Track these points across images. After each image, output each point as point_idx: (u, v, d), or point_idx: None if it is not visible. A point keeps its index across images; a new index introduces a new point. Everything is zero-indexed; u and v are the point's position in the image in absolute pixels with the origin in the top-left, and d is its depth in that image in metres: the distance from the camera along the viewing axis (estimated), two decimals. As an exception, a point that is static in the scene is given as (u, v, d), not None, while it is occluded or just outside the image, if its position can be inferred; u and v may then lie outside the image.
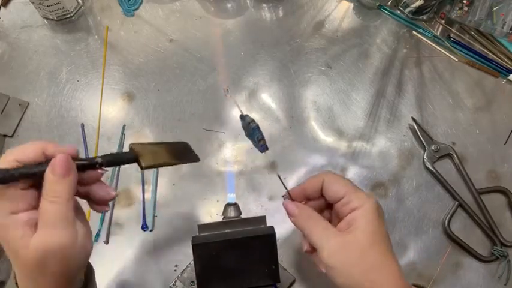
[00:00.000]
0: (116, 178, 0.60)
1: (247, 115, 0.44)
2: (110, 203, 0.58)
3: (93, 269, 0.42)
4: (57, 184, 0.33)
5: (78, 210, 0.36)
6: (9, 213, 0.32)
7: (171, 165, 0.41)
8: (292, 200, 0.44)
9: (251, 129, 0.43)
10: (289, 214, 0.44)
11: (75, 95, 0.64)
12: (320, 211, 0.44)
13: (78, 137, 0.61)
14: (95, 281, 0.42)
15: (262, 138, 0.44)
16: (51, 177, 0.33)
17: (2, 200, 0.32)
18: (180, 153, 0.43)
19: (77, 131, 0.62)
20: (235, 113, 0.64)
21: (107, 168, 0.37)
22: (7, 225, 0.32)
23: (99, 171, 0.36)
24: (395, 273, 0.39)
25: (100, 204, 0.38)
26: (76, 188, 0.34)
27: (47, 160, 0.33)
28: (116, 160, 0.37)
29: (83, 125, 0.62)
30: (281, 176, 0.56)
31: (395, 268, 0.39)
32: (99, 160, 0.35)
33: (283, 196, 0.57)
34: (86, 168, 0.35)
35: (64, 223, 0.33)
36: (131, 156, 0.37)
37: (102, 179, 0.38)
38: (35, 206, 0.33)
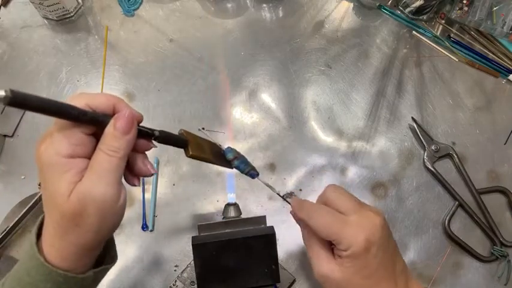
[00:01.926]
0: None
1: (228, 149, 0.44)
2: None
3: (114, 241, 0.41)
4: (117, 139, 0.33)
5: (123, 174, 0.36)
6: (66, 155, 0.32)
7: (212, 163, 0.42)
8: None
9: (235, 165, 0.44)
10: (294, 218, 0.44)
11: (75, 95, 0.64)
12: None
13: (78, 137, 0.61)
14: (114, 255, 0.40)
15: (249, 170, 0.44)
16: (112, 131, 0.33)
17: (64, 139, 0.32)
18: (219, 154, 0.43)
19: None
20: (235, 113, 0.64)
21: (157, 144, 0.37)
22: (59, 166, 0.32)
23: (151, 144, 0.37)
24: None
25: (136, 175, 0.37)
26: (131, 148, 0.34)
27: (114, 114, 0.34)
28: (169, 139, 0.37)
29: None
30: (282, 176, 0.56)
31: None
32: (156, 133, 0.36)
33: (283, 196, 0.56)
34: (143, 136, 0.35)
35: (113, 178, 0.33)
36: (182, 141, 0.38)
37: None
38: (89, 156, 0.33)
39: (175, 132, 0.40)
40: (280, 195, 0.46)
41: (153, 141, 0.36)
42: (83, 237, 0.33)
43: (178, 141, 0.39)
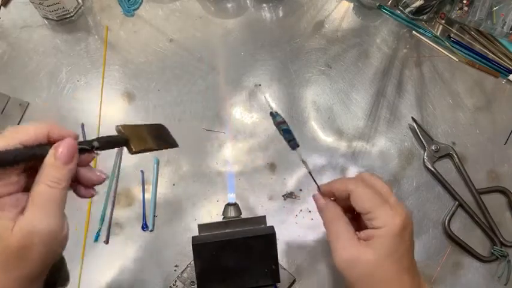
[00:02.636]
0: (115, 178, 0.60)
1: (277, 114, 0.44)
2: (110, 201, 0.58)
3: (64, 261, 0.40)
4: (58, 169, 0.31)
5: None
6: None
7: (157, 149, 0.41)
8: (322, 194, 0.45)
9: (280, 130, 0.44)
10: (318, 208, 0.45)
11: (75, 95, 0.64)
12: (347, 208, 0.43)
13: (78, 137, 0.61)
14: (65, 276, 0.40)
15: (292, 139, 0.44)
16: (52, 162, 0.31)
17: None
18: (161, 136, 0.42)
19: (77, 131, 0.62)
20: (235, 113, 0.64)
21: (99, 152, 0.36)
22: None
23: (93, 155, 0.36)
24: None
25: (88, 187, 0.37)
26: (73, 175, 0.33)
27: (49, 142, 0.32)
28: (109, 143, 0.36)
29: (83, 125, 0.62)
30: (282, 176, 0.56)
31: (410, 284, 0.39)
32: (95, 144, 0.35)
33: (283, 196, 0.57)
34: (84, 152, 0.34)
35: (57, 209, 0.32)
36: (122, 140, 0.37)
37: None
38: (23, 189, 0.32)
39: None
40: (311, 175, 0.45)
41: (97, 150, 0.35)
42: (27, 269, 0.32)
43: (119, 141, 0.37)
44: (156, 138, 0.41)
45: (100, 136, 0.36)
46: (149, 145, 0.39)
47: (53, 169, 0.32)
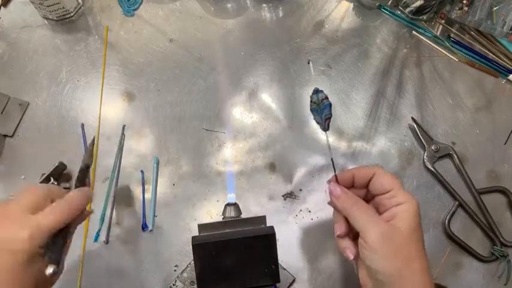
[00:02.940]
0: (115, 178, 0.60)
1: (322, 90, 0.45)
2: (110, 201, 0.58)
3: None
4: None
5: None
6: None
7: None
8: (338, 183, 0.46)
9: (323, 105, 0.44)
10: (332, 196, 0.46)
11: (75, 95, 0.64)
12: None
13: (78, 137, 0.61)
14: None
15: (330, 116, 0.44)
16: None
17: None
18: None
19: (77, 131, 0.62)
20: (235, 113, 0.64)
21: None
22: None
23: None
24: (427, 269, 0.42)
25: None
26: None
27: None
28: (82, 178, 0.48)
29: (83, 125, 0.62)
30: (281, 176, 0.56)
31: (427, 264, 0.42)
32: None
33: (283, 196, 0.57)
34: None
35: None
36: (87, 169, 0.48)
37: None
38: None
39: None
40: (333, 162, 0.47)
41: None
42: None
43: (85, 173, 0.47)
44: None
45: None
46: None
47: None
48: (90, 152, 0.48)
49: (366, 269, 0.43)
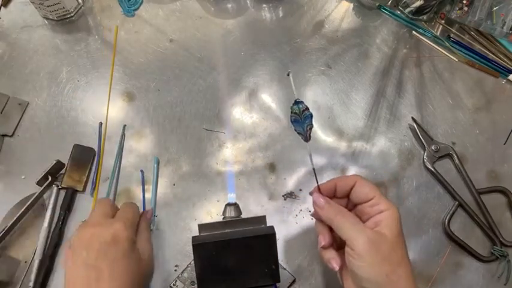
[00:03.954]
0: (115, 178, 0.60)
1: (302, 101, 0.45)
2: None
3: None
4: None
5: None
6: None
7: None
8: (321, 193, 0.47)
9: (304, 116, 0.45)
10: (316, 206, 0.46)
11: (75, 95, 0.64)
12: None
13: (78, 137, 0.61)
14: None
15: (312, 127, 0.45)
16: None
17: None
18: None
19: (77, 131, 0.62)
20: (235, 113, 0.64)
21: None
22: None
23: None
24: (412, 274, 0.42)
25: None
26: None
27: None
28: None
29: (100, 124, 0.62)
30: (282, 176, 0.56)
31: (411, 270, 0.42)
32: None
33: (283, 196, 0.57)
34: None
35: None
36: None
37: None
38: None
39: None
40: (315, 173, 0.47)
41: None
42: None
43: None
44: None
45: None
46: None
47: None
48: None
49: (352, 278, 0.43)
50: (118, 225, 0.47)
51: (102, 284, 0.43)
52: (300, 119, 0.45)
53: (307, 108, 0.45)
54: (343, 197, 0.48)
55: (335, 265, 0.44)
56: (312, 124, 0.45)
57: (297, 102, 0.46)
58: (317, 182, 0.47)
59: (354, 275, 0.42)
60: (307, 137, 0.46)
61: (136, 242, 0.49)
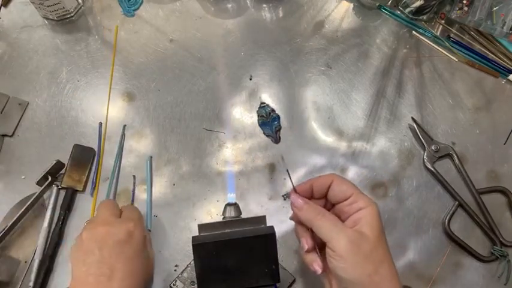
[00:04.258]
0: (115, 178, 0.60)
1: (267, 104, 0.46)
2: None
3: None
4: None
5: None
6: None
7: None
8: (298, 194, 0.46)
9: (272, 118, 0.45)
10: (294, 207, 0.45)
11: (75, 95, 0.64)
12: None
13: (78, 137, 0.61)
14: None
15: (280, 128, 0.45)
16: None
17: None
18: None
19: (77, 131, 0.62)
20: (235, 113, 0.64)
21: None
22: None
23: None
24: (395, 272, 0.41)
25: None
26: None
27: None
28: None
29: (100, 124, 0.62)
30: (282, 176, 0.56)
31: (394, 268, 0.41)
32: None
33: (283, 196, 0.57)
34: None
35: None
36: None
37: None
38: None
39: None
40: (289, 175, 0.47)
41: None
42: None
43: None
44: None
45: None
46: None
47: None
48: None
49: (334, 280, 0.42)
50: (131, 223, 0.48)
51: (114, 283, 0.44)
52: (268, 121, 0.45)
53: (273, 110, 0.45)
54: (321, 198, 0.47)
55: (317, 268, 0.43)
56: (280, 125, 0.45)
57: (263, 106, 0.46)
58: (292, 184, 0.46)
59: (337, 276, 0.41)
60: (277, 139, 0.46)
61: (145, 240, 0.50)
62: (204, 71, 0.66)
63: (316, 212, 0.43)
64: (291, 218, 0.48)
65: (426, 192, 0.62)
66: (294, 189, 0.46)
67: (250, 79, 0.46)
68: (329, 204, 0.47)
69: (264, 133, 0.46)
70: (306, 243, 0.44)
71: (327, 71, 0.68)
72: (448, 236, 0.60)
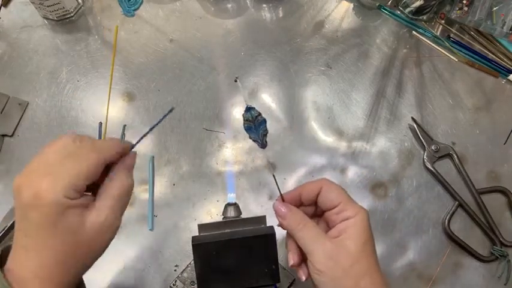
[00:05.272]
0: (116, 178, 0.60)
1: (254, 107, 0.44)
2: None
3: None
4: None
5: None
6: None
7: None
8: (284, 201, 0.44)
9: (258, 122, 0.44)
10: (278, 216, 0.44)
11: (75, 95, 0.64)
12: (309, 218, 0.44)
13: (78, 137, 0.61)
14: None
15: (267, 132, 0.44)
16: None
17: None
18: None
19: (76, 131, 0.62)
20: (235, 113, 0.64)
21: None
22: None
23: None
24: (380, 284, 0.39)
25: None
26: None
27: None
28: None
29: (100, 124, 0.62)
30: (282, 176, 0.56)
31: (380, 279, 0.39)
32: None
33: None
34: None
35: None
36: None
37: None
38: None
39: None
40: (276, 182, 0.45)
41: None
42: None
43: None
44: None
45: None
46: None
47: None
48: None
49: None
50: (46, 181, 0.35)
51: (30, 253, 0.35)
52: (254, 125, 0.44)
53: (260, 114, 0.44)
54: (311, 204, 0.45)
55: (302, 276, 0.42)
56: (266, 130, 0.44)
57: (249, 109, 0.44)
58: (279, 191, 0.44)
59: None
60: (263, 143, 0.45)
61: (83, 205, 0.36)
62: (204, 71, 0.66)
63: (298, 221, 0.41)
64: (279, 225, 0.46)
65: (426, 192, 0.62)
66: (281, 197, 0.44)
67: (236, 81, 0.45)
68: (319, 211, 0.45)
69: (250, 137, 0.44)
70: (292, 258, 0.43)
71: (327, 71, 0.68)
72: (448, 236, 0.60)
